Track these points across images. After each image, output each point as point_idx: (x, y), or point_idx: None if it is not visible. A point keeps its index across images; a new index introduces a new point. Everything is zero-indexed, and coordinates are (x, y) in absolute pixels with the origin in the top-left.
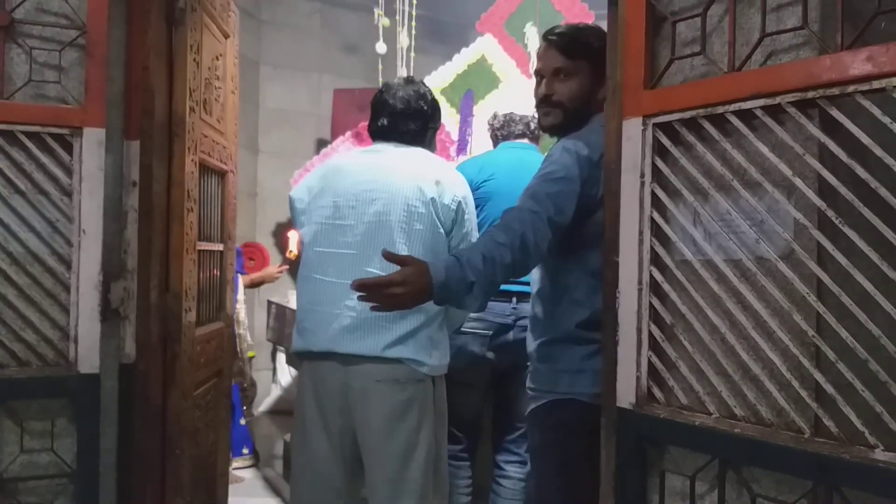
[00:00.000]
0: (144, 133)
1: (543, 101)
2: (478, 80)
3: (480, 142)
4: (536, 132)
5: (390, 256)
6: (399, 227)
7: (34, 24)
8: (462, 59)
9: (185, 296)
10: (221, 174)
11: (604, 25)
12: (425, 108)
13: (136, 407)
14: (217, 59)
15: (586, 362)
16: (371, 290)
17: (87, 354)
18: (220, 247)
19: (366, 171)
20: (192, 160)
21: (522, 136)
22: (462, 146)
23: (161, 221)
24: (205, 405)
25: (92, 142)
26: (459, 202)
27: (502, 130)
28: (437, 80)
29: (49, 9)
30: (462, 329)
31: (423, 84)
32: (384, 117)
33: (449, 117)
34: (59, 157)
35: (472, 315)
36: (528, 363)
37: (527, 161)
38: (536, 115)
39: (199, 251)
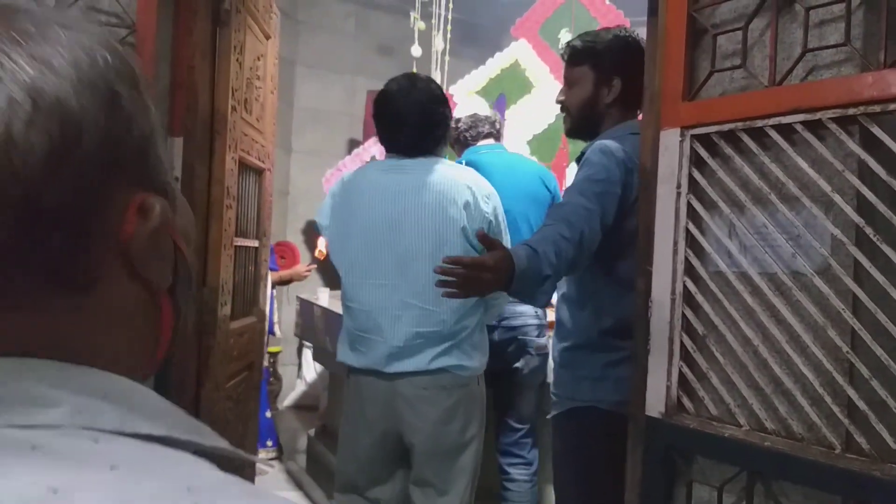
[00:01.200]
0: (187, 130)
1: (561, 109)
2: (511, 85)
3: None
4: (501, 131)
5: (485, 238)
6: (430, 256)
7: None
8: (496, 64)
9: (221, 290)
10: (259, 172)
11: (641, 32)
12: (441, 111)
13: (171, 397)
14: (258, 59)
15: (608, 370)
16: (463, 270)
17: None
18: (256, 243)
19: (390, 198)
20: (233, 158)
21: (489, 135)
22: None
23: (200, 217)
24: (236, 397)
25: None
26: (490, 221)
27: (470, 132)
28: (470, 84)
29: (100, 7)
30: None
31: (429, 78)
32: (400, 132)
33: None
34: None
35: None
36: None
37: (517, 162)
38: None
39: (236, 247)
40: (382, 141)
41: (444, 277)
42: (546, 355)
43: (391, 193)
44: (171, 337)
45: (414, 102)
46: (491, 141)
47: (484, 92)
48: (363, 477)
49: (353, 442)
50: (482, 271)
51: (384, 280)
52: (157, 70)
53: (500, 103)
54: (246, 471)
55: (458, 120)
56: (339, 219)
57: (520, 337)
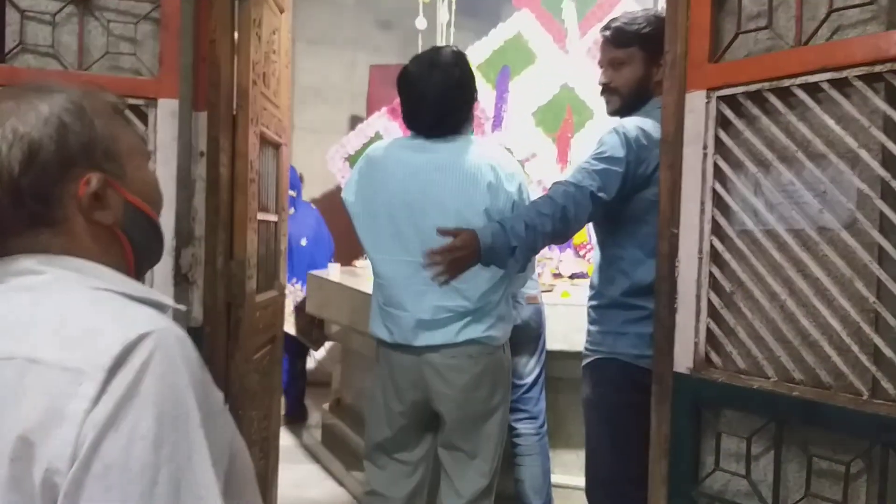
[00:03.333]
0: (211, 104)
1: (604, 90)
2: (514, 56)
3: (515, 118)
4: None
5: (444, 231)
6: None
7: None
8: (499, 35)
9: (247, 263)
10: (276, 146)
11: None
12: (460, 95)
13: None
14: (274, 33)
15: (628, 326)
16: (439, 258)
17: None
18: (276, 217)
19: (413, 177)
20: (255, 132)
21: None
22: (497, 122)
23: (226, 191)
24: (262, 369)
25: (166, 112)
26: (514, 201)
27: None
28: (474, 57)
29: None
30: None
31: (453, 54)
32: (419, 112)
33: (485, 94)
34: (136, 127)
35: None
36: None
37: None
38: None
39: (258, 221)
40: (404, 119)
41: (432, 270)
42: (538, 307)
43: (415, 172)
44: (136, 260)
45: (431, 85)
46: None
47: (487, 64)
48: (392, 443)
49: (383, 411)
50: (455, 253)
51: (408, 257)
52: (181, 45)
53: (504, 75)
54: (272, 443)
55: None
56: (364, 196)
57: None
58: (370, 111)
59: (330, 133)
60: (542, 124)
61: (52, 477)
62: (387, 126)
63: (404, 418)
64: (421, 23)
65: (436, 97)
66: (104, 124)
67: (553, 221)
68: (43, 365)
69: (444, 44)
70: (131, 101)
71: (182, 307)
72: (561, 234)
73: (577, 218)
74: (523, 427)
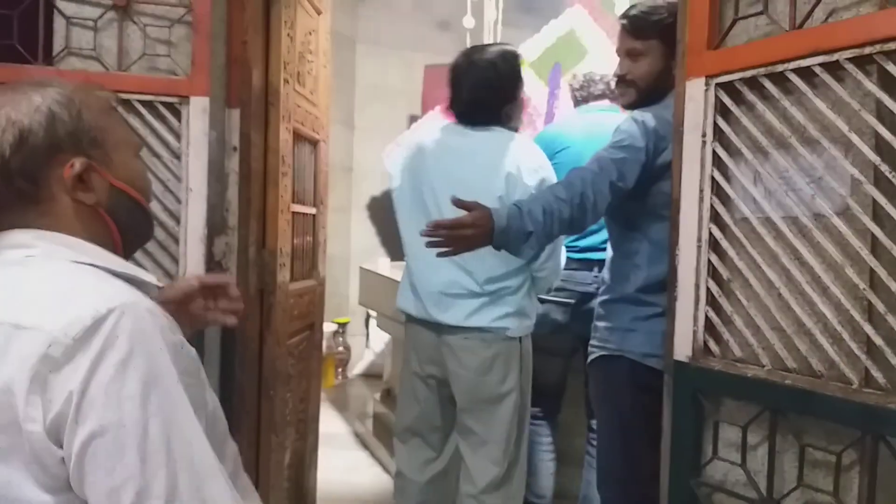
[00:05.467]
0: (243, 102)
1: (620, 81)
2: (566, 53)
3: (566, 111)
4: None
5: (459, 202)
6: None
7: (147, 3)
8: (551, 32)
9: (279, 252)
10: (314, 143)
11: None
12: (495, 89)
13: (236, 351)
14: (310, 34)
15: (638, 323)
16: (445, 231)
17: None
18: (313, 210)
19: (446, 157)
20: (287, 128)
21: (602, 96)
22: (549, 119)
23: (258, 184)
24: (298, 354)
25: (197, 109)
26: (542, 179)
27: (581, 92)
28: (526, 54)
29: None
30: (545, 297)
31: (497, 52)
32: (459, 101)
33: (537, 90)
34: (170, 123)
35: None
36: None
37: (604, 124)
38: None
39: (294, 213)
40: (451, 107)
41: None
42: None
43: (447, 153)
44: (123, 240)
45: (466, 78)
46: (605, 102)
47: (540, 61)
48: (421, 423)
49: (411, 389)
50: (463, 229)
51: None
52: (213, 46)
53: (556, 72)
54: (311, 425)
55: (574, 77)
56: (406, 172)
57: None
58: (425, 110)
59: (389, 132)
60: None
61: (33, 427)
62: (435, 122)
63: (428, 395)
64: (469, 21)
65: (468, 90)
66: (94, 116)
67: (571, 208)
68: (24, 330)
69: (492, 41)
70: (166, 98)
71: (160, 284)
72: (578, 223)
73: (595, 206)
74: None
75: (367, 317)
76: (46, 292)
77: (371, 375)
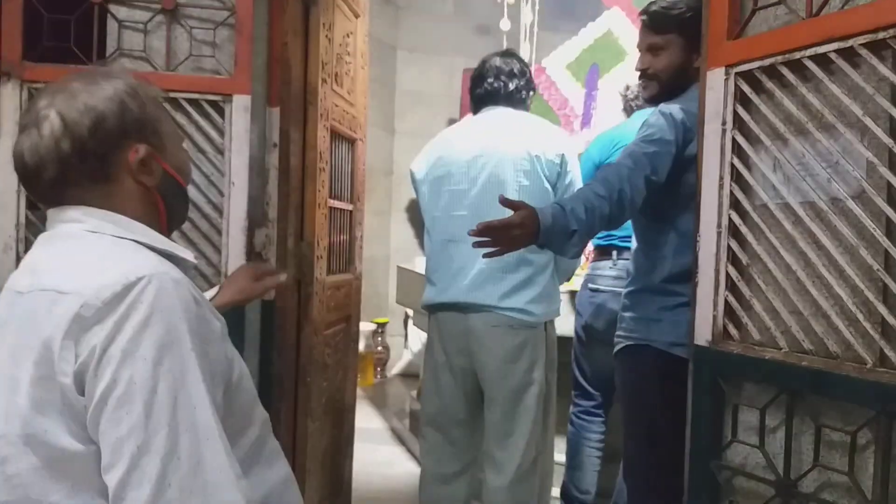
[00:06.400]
0: (283, 101)
1: (642, 75)
2: (604, 54)
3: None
4: None
5: (506, 202)
6: (508, 186)
7: (194, 6)
8: (589, 34)
9: (316, 245)
10: (351, 141)
11: None
12: (522, 70)
13: (275, 339)
14: (347, 36)
15: (664, 313)
16: (494, 233)
17: None
18: (350, 207)
19: (473, 137)
20: (324, 126)
21: None
22: (586, 120)
23: (297, 179)
24: (334, 344)
25: (239, 107)
26: (563, 155)
27: (636, 101)
28: (564, 56)
29: None
30: (601, 287)
31: (516, 54)
32: (485, 83)
33: (574, 92)
34: (214, 120)
35: (612, 273)
36: None
37: None
38: None
39: (331, 208)
40: (471, 99)
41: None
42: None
43: (474, 133)
44: (168, 219)
45: (498, 63)
46: None
47: (577, 63)
48: (444, 416)
49: (434, 382)
50: (511, 230)
51: (464, 211)
52: (255, 48)
53: (593, 74)
54: (347, 415)
55: (627, 87)
56: (430, 164)
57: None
58: (463, 113)
59: (428, 136)
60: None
61: (65, 380)
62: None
63: (454, 388)
64: (505, 24)
65: (509, 67)
66: (153, 108)
67: (610, 204)
68: (64, 294)
69: (528, 44)
70: (210, 97)
71: (194, 260)
72: (616, 218)
73: (632, 201)
74: None
75: (406, 317)
76: (87, 262)
77: (409, 375)
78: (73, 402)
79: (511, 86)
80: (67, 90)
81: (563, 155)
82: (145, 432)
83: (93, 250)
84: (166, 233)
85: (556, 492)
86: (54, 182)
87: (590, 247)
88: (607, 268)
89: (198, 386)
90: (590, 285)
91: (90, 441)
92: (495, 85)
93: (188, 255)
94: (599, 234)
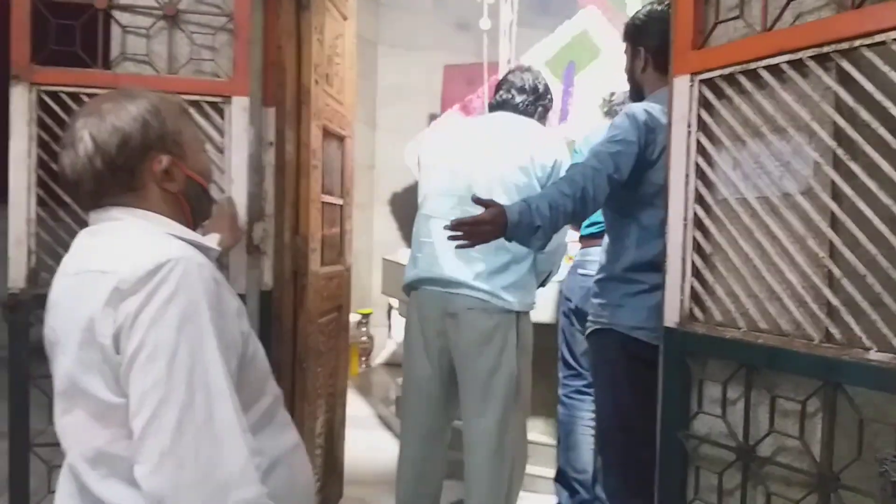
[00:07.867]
0: (278, 101)
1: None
2: (580, 52)
3: (580, 111)
4: None
5: (479, 201)
6: (500, 180)
7: (193, 13)
8: (565, 32)
9: (311, 238)
10: (341, 139)
11: None
12: (538, 87)
13: (272, 326)
14: (337, 38)
15: (627, 299)
16: (466, 228)
17: (237, 278)
18: (340, 201)
19: (480, 128)
20: (317, 125)
21: None
22: (563, 115)
23: (292, 176)
24: (327, 332)
25: (239, 108)
26: (556, 160)
27: (622, 106)
28: (542, 53)
29: (205, 0)
30: (590, 272)
31: (532, 70)
32: (498, 93)
33: (553, 88)
34: (214, 120)
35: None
36: None
37: None
38: None
39: (323, 203)
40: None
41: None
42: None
43: (478, 127)
44: (193, 219)
45: (519, 77)
46: None
47: (556, 60)
48: (423, 402)
49: (413, 365)
50: (481, 225)
51: (457, 193)
52: (251, 51)
53: (570, 71)
54: (339, 399)
55: (612, 94)
56: (430, 145)
57: None
58: (444, 108)
59: (409, 131)
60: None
61: (105, 341)
62: (458, 118)
63: (429, 368)
64: (485, 23)
65: (527, 82)
66: (173, 121)
67: (574, 202)
68: (106, 273)
69: (508, 43)
70: (210, 98)
71: (218, 248)
72: (580, 214)
73: (594, 199)
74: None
75: (390, 308)
76: (125, 248)
77: (393, 364)
78: (112, 359)
79: (517, 99)
80: (98, 113)
81: (556, 160)
82: (166, 387)
83: (129, 239)
84: (192, 227)
85: (544, 471)
86: (92, 193)
87: (576, 236)
88: (597, 254)
89: (213, 353)
90: (579, 270)
91: (125, 395)
92: (505, 96)
93: (212, 243)
94: (590, 222)
